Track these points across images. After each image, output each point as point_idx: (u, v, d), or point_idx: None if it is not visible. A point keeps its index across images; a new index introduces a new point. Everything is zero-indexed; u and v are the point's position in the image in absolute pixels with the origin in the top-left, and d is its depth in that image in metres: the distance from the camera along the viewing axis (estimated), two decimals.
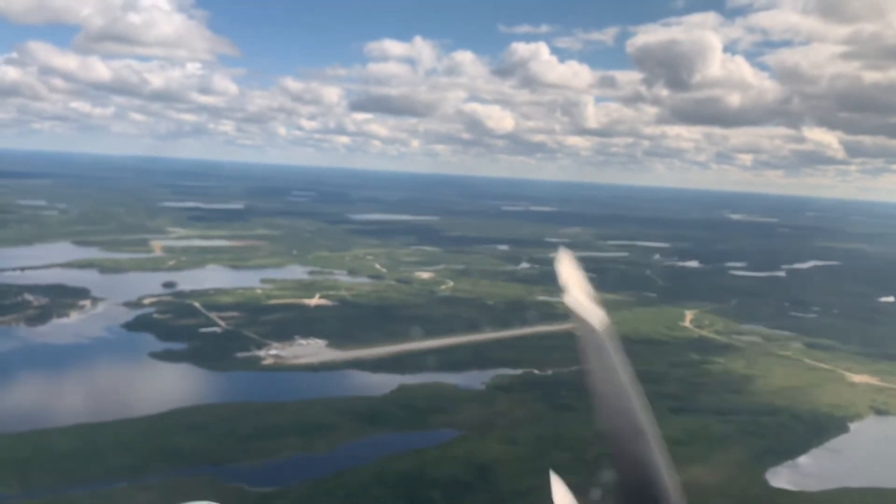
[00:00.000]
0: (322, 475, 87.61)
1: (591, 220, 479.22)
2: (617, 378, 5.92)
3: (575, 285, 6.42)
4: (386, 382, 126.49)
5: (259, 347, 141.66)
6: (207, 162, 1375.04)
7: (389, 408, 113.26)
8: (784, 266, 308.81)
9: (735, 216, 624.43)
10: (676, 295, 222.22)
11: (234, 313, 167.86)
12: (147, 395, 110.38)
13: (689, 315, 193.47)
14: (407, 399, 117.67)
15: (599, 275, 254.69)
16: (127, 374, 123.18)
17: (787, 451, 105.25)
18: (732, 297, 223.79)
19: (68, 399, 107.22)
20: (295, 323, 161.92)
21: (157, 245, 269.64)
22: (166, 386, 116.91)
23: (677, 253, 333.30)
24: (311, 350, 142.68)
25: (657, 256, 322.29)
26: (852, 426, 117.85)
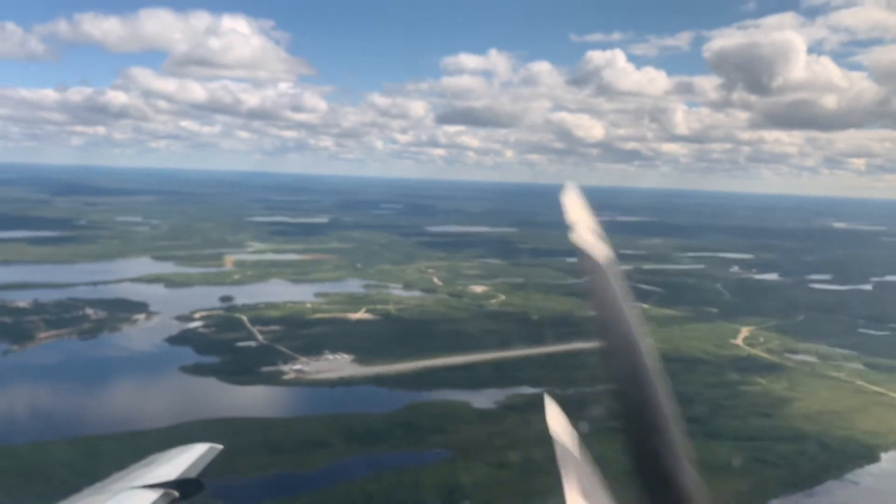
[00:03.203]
0: (290, 495, 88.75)
1: (676, 230, 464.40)
2: (621, 315, 5.91)
3: (581, 222, 6.51)
4: (398, 399, 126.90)
5: (286, 362, 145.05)
6: (309, 176, 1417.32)
7: (390, 426, 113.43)
8: (873, 279, 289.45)
9: (838, 224, 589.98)
10: (739, 310, 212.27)
11: (276, 327, 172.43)
12: (156, 409, 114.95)
13: (744, 332, 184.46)
14: (411, 417, 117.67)
15: (664, 288, 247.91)
16: (147, 387, 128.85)
17: (798, 482, 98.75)
18: (801, 312, 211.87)
19: (76, 411, 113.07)
20: (331, 337, 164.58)
21: (230, 259, 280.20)
22: (180, 400, 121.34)
23: (758, 265, 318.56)
24: (335, 365, 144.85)
25: (735, 269, 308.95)
26: (885, 456, 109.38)
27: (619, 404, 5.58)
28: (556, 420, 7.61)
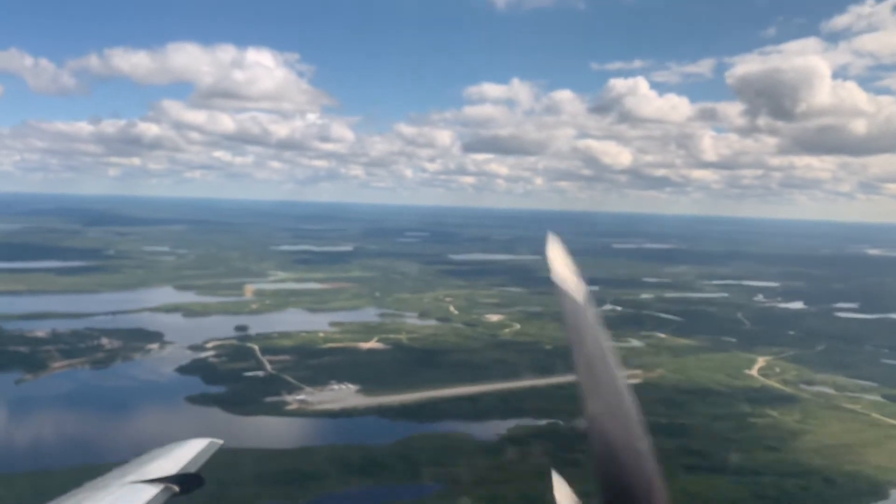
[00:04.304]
0: None
1: (704, 257, 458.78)
2: (596, 350, 6.57)
3: (560, 263, 7.30)
4: (398, 431, 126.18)
5: (290, 392, 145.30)
6: (340, 204, 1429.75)
7: (387, 458, 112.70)
8: None
9: (872, 251, 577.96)
10: (758, 339, 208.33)
11: (286, 357, 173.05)
12: (154, 439, 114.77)
13: (760, 362, 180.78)
14: (409, 449, 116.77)
15: (684, 317, 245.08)
16: (149, 417, 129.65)
17: None
18: (822, 341, 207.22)
19: (71, 441, 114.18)
20: (339, 367, 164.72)
21: (250, 289, 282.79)
22: (179, 431, 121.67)
23: (784, 293, 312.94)
24: (339, 395, 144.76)
25: (759, 297, 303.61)
26: (894, 493, 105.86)
27: (594, 438, 5.94)
28: (564, 496, 7.84)
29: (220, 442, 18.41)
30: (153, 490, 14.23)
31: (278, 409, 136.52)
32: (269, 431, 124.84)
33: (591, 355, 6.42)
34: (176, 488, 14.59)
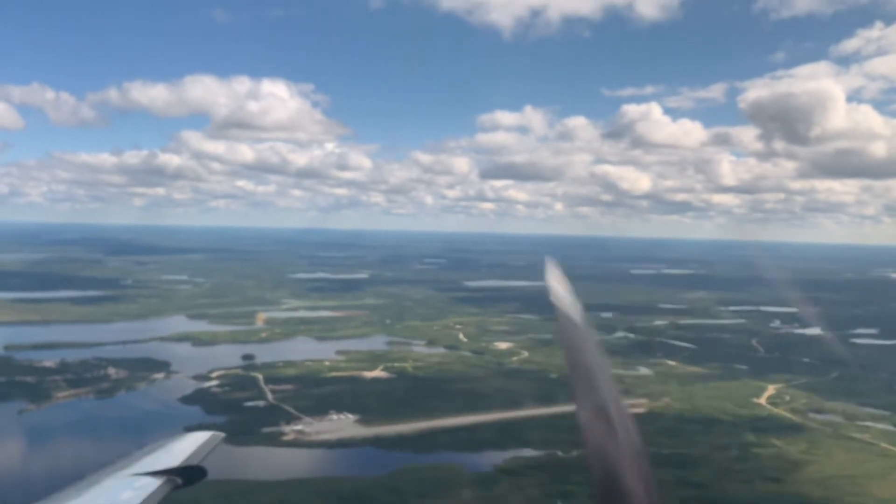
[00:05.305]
0: None
1: (723, 282, 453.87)
2: (592, 369, 6.74)
3: (558, 285, 7.64)
4: (393, 462, 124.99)
5: (289, 422, 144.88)
6: (361, 231, 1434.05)
7: (376, 491, 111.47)
8: None
9: None
10: (770, 367, 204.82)
11: (289, 386, 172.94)
12: None
13: (770, 390, 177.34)
14: (400, 481, 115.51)
15: (696, 344, 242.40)
16: (144, 447, 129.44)
17: None
18: (836, 368, 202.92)
19: (63, 471, 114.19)
20: (341, 396, 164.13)
21: (262, 317, 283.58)
22: None
23: (802, 318, 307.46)
24: (337, 426, 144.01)
25: (776, 323, 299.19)
26: None
27: (588, 445, 6.07)
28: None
29: (223, 435, 18.49)
30: (156, 482, 14.16)
31: (275, 440, 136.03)
32: (262, 463, 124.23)
33: (588, 374, 6.57)
34: (179, 480, 14.55)
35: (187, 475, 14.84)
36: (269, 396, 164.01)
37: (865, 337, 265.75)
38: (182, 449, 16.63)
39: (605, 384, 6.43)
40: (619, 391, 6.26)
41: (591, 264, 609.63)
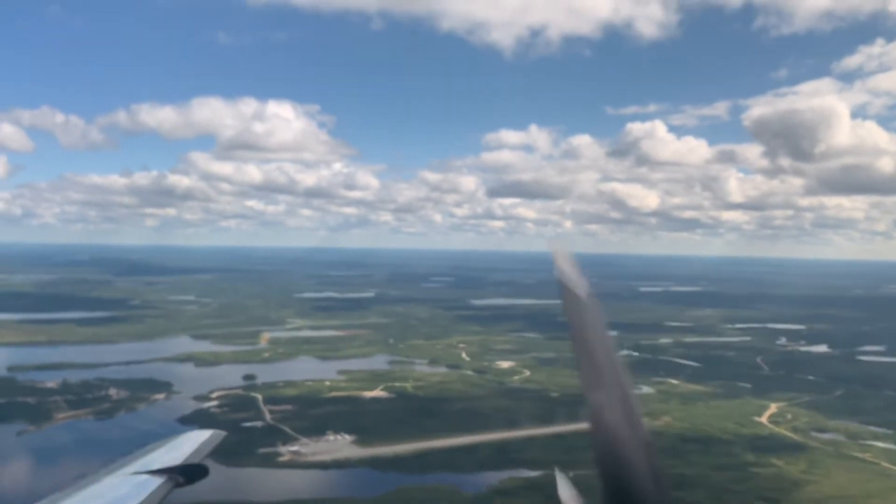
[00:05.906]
0: None
1: (730, 300, 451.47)
2: (598, 345, 6.77)
3: (564, 261, 7.52)
4: (387, 483, 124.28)
5: (285, 443, 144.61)
6: (371, 250, 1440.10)
7: None
8: None
9: None
10: (774, 385, 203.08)
11: (288, 406, 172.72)
12: None
13: (772, 408, 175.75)
14: (394, 502, 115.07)
15: (700, 362, 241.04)
16: None
17: None
18: (841, 386, 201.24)
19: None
20: (339, 416, 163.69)
21: (266, 337, 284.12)
22: None
23: (809, 336, 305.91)
24: (333, 446, 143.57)
25: (782, 340, 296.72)
26: None
27: (595, 431, 6.00)
28: (568, 496, 7.80)
29: (224, 433, 18.55)
30: (157, 481, 14.16)
31: (270, 461, 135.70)
32: (257, 484, 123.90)
33: (594, 350, 6.45)
34: (181, 479, 14.55)
35: (189, 473, 14.85)
36: (268, 417, 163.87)
37: (872, 354, 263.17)
38: (183, 447, 16.67)
39: (611, 361, 6.40)
40: (624, 370, 6.24)
41: (599, 282, 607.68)
